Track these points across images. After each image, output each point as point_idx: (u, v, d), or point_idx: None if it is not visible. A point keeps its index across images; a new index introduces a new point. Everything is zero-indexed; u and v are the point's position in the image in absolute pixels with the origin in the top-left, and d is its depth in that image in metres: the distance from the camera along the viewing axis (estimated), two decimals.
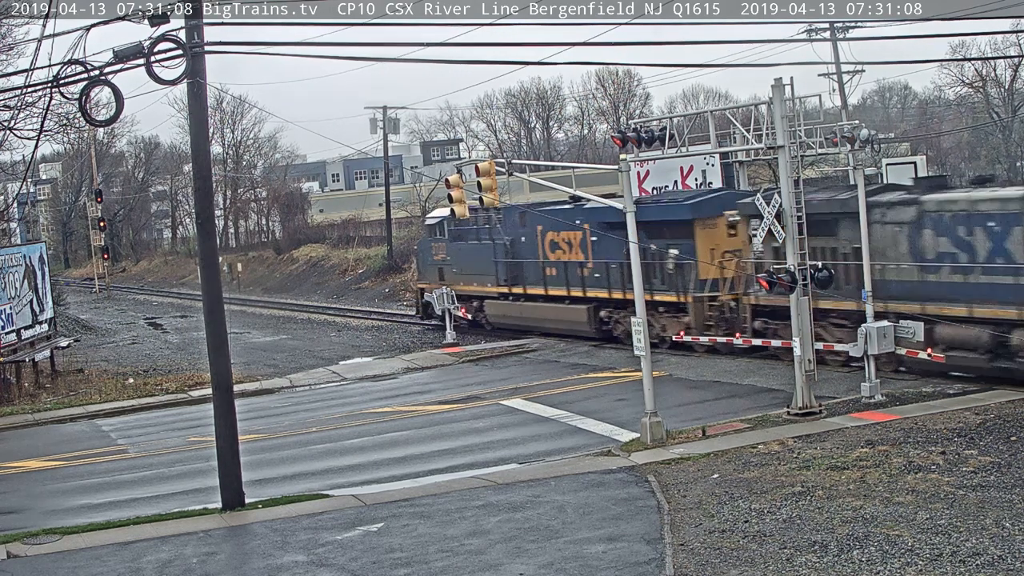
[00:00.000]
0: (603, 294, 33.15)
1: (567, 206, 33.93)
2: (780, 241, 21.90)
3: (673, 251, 29.35)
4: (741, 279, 28.71)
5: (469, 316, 38.33)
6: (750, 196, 29.65)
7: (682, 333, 29.46)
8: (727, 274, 29.08)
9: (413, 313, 45.39)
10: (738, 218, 29.27)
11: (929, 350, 22.82)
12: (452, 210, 23.50)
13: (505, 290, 37.40)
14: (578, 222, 33.42)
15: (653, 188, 41.49)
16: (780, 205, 21.44)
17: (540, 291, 35.77)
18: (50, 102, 22.41)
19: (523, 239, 36.55)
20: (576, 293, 34.26)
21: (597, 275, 33.20)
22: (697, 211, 29.97)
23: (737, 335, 27.97)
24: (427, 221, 44.39)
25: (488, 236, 38.14)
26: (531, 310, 36.50)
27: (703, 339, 29.19)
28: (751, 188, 31.59)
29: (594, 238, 33.04)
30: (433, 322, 41.73)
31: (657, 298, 30.18)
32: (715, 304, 29.46)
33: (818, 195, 25.93)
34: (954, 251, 23.71)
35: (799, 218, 21.57)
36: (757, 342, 27.17)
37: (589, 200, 31.24)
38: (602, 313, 33.53)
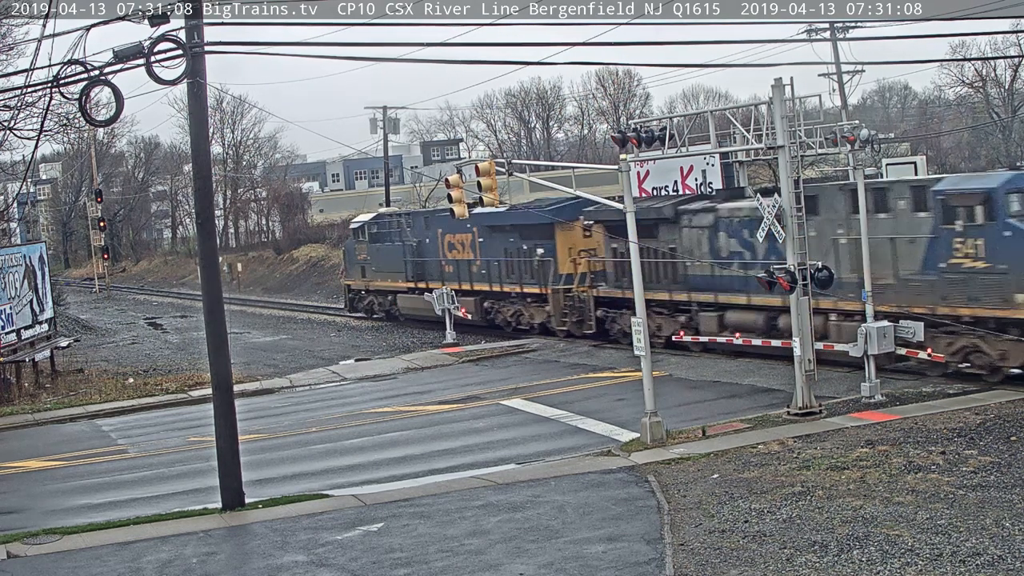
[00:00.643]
0: (487, 287, 38.04)
1: None
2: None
3: (540, 250, 34.75)
4: (589, 274, 33.58)
5: (469, 316, 38.50)
6: (596, 204, 32.68)
7: (682, 333, 29.58)
8: (580, 270, 33.98)
9: (342, 307, 50.09)
10: (592, 222, 33.56)
11: (929, 350, 22.88)
12: (454, 209, 23.39)
13: (413, 285, 42.12)
14: (469, 225, 37.19)
15: (653, 188, 41.39)
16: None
17: (439, 286, 39.40)
18: (50, 102, 22.44)
19: (427, 241, 41.52)
20: (466, 287, 38.90)
21: (483, 271, 38.22)
22: (557, 216, 34.06)
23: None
24: (351, 225, 48.79)
25: (399, 238, 43.20)
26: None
27: (703, 338, 29.26)
28: (751, 187, 31.64)
29: (481, 239, 38.03)
30: (359, 315, 47.22)
31: (526, 290, 36.26)
32: (570, 295, 34.16)
33: (641, 204, 29.36)
34: (740, 250, 28.09)
35: (799, 218, 21.57)
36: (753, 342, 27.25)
37: (478, 206, 34.11)
38: (486, 304, 38.62)
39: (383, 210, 51.00)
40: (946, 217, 22.96)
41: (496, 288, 37.61)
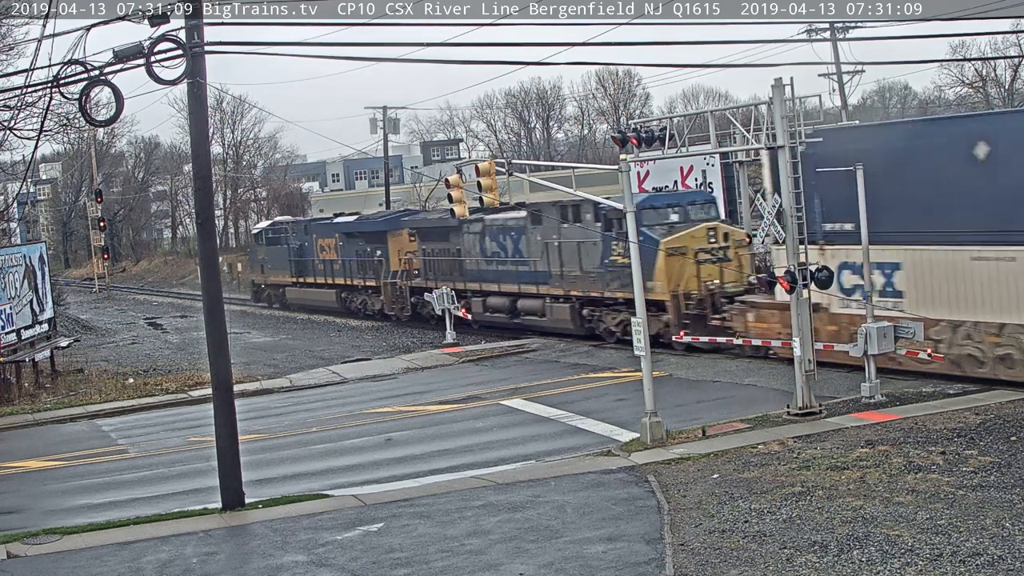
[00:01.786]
0: (344, 281, 48.16)
1: (326, 221, 51.47)
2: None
3: (378, 252, 44.55)
4: (409, 271, 43.13)
5: (469, 316, 38.59)
6: (418, 214, 46.32)
7: (683, 333, 29.60)
8: (403, 267, 43.48)
9: (249, 297, 59.69)
10: (413, 229, 42.98)
11: (929, 350, 22.89)
12: (454, 209, 23.40)
13: (296, 280, 52.54)
14: (333, 232, 48.52)
15: (653, 188, 41.47)
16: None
17: (312, 280, 50.90)
18: (50, 102, 22.48)
19: (306, 244, 51.25)
20: (331, 281, 49.27)
21: (342, 269, 48.00)
22: (388, 225, 45.07)
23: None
24: (253, 230, 60.83)
25: (286, 242, 52.99)
26: (310, 294, 51.41)
27: (702, 338, 29.29)
28: (752, 188, 31.71)
29: (341, 243, 47.80)
30: (261, 304, 57.07)
31: (368, 284, 45.98)
32: (396, 287, 43.84)
33: (432, 215, 40.71)
34: (497, 251, 37.62)
35: (799, 218, 21.57)
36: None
37: (340, 216, 50.95)
38: (343, 295, 48.67)
39: (278, 218, 62.43)
40: (607, 226, 31.52)
41: (350, 282, 47.54)
